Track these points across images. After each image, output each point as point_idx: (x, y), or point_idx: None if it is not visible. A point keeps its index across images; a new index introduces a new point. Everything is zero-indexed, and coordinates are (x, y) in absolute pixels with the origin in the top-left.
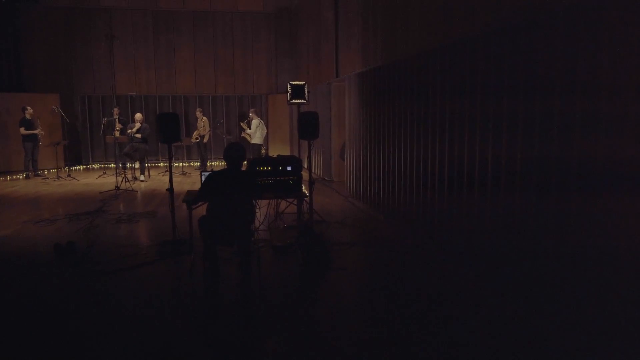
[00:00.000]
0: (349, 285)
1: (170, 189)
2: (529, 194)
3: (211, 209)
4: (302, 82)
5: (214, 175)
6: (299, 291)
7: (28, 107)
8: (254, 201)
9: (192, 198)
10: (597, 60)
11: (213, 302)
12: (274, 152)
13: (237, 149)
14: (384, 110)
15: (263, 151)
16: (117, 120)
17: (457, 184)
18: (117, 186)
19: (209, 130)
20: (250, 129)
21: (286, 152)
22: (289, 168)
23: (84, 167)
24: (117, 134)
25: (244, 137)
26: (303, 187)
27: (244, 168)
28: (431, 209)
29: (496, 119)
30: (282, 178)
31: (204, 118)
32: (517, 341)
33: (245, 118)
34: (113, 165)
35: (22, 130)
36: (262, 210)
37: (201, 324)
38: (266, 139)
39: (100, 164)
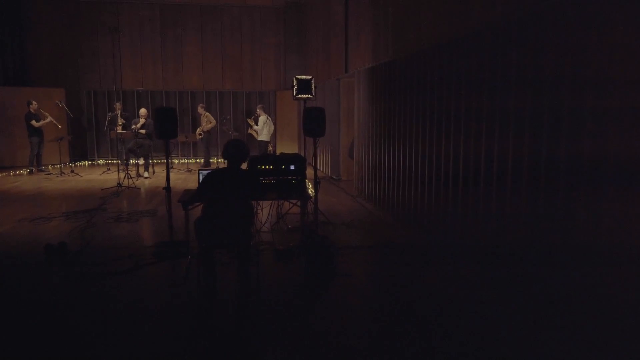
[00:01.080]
0: (354, 293)
1: (167, 188)
2: (556, 195)
3: (207, 210)
4: (309, 77)
5: (213, 174)
6: (300, 299)
7: (33, 102)
8: (253, 202)
9: (188, 198)
10: (633, 50)
11: (209, 310)
12: (281, 150)
13: (237, 146)
14: (394, 106)
15: (270, 148)
16: (119, 115)
17: (473, 184)
18: (119, 183)
19: (216, 124)
20: (257, 125)
21: (294, 150)
22: (292, 167)
23: (89, 162)
24: (119, 129)
25: (250, 134)
26: (309, 185)
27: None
28: (444, 210)
29: (518, 115)
30: (284, 178)
31: (207, 113)
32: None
33: (252, 114)
34: (118, 161)
35: (34, 123)
36: (265, 211)
37: (196, 333)
38: (274, 136)
39: (105, 160)
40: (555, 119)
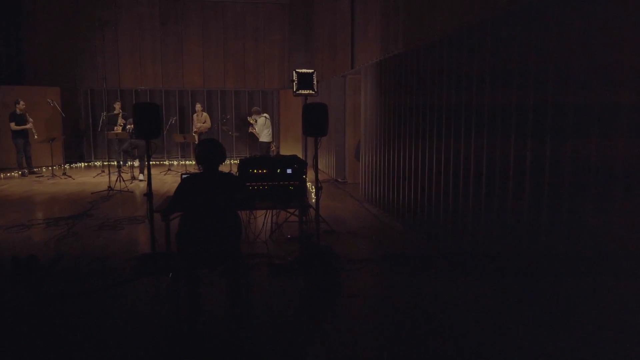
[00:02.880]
0: (361, 319)
1: (149, 194)
2: (599, 202)
3: (184, 223)
4: (310, 70)
5: (189, 179)
6: (296, 326)
7: (21, 101)
8: (239, 212)
9: (166, 207)
10: None
11: (192, 337)
12: (285, 152)
13: (210, 147)
14: (405, 103)
15: (273, 148)
16: (120, 115)
17: (497, 189)
18: (109, 186)
19: (210, 127)
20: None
21: (299, 151)
22: (289, 171)
23: (86, 164)
24: (119, 129)
25: (252, 133)
26: (311, 188)
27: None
28: (461, 218)
29: (557, 110)
30: (280, 183)
31: (205, 114)
32: None
33: (253, 114)
34: (115, 163)
35: (13, 126)
36: (260, 219)
37: None
38: (277, 137)
39: (102, 162)
40: (604, 114)
